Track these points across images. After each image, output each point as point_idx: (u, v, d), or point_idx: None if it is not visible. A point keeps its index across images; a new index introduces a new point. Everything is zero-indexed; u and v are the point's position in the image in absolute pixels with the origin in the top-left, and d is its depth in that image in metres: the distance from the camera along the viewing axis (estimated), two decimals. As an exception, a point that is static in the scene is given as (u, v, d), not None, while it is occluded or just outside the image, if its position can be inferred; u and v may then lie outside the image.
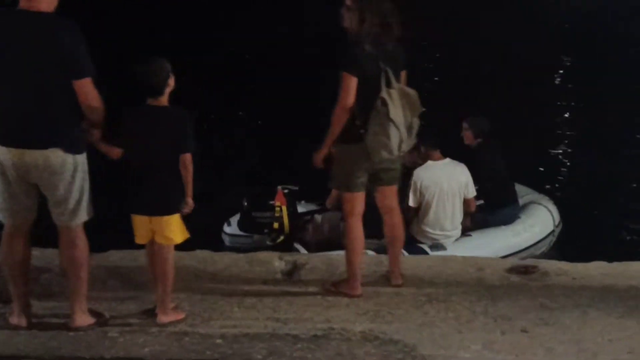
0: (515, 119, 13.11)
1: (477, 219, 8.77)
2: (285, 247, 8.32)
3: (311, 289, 5.72)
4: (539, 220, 9.12)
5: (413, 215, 8.47)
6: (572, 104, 15.16)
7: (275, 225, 8.54)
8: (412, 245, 8.26)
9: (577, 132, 13.83)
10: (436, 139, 8.50)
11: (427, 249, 8.37)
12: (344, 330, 5.05)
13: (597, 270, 6.02)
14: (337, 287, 5.63)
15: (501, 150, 9.21)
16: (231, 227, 9.27)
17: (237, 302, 5.48)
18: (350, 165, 5.43)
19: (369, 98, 5.23)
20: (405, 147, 5.37)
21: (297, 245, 8.57)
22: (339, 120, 5.34)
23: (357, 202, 5.52)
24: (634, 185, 11.27)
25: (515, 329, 5.07)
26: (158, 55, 5.00)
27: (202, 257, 6.24)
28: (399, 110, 5.26)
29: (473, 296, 5.58)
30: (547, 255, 8.71)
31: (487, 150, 9.07)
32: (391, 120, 5.21)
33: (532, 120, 13.67)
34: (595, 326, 5.10)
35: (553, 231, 9.14)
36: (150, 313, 5.22)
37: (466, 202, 8.59)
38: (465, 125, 9.14)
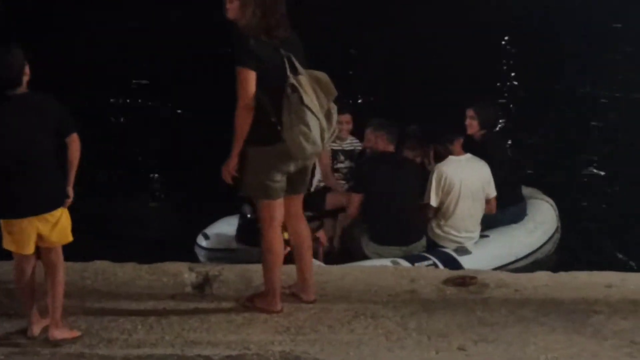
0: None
1: (486, 217, 8.30)
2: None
3: (225, 304, 5.57)
4: (546, 217, 8.78)
5: (433, 216, 8.04)
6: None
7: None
8: (435, 250, 7.90)
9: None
10: (451, 133, 8.09)
11: (454, 254, 7.89)
12: (261, 350, 4.93)
13: (540, 282, 5.93)
14: (254, 302, 5.42)
15: (506, 143, 8.99)
16: (209, 240, 8.52)
17: (140, 320, 5.34)
18: (268, 170, 5.14)
19: (277, 90, 4.97)
20: (328, 136, 5.08)
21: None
22: (243, 120, 5.06)
23: (277, 210, 5.25)
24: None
25: (452, 347, 4.99)
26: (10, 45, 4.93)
27: (100, 268, 6.10)
28: (312, 97, 5.00)
29: (405, 311, 5.44)
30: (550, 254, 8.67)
31: (495, 142, 8.60)
32: (306, 107, 4.95)
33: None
34: (538, 342, 5.01)
35: (558, 227, 8.89)
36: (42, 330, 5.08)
37: (488, 203, 8.19)
38: (471, 113, 8.43)
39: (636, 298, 5.59)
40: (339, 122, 7.64)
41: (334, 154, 8.55)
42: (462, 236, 7.97)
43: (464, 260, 7.71)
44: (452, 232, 7.97)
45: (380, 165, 7.86)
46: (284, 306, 5.40)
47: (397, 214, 7.75)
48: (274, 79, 4.99)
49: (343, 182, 8.49)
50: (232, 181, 5.16)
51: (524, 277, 5.98)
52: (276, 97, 4.98)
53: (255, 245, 7.31)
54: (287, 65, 5.02)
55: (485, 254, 7.78)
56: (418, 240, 7.91)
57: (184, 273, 5.98)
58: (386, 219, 7.73)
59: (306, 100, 4.94)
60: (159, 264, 6.13)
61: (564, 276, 6.02)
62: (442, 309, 5.48)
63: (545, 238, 8.54)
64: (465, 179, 7.90)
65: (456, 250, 7.90)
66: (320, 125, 5.00)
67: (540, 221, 8.59)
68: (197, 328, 5.21)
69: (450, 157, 7.95)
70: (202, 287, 5.83)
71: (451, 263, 7.58)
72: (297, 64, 5.03)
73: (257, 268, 5.70)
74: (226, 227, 8.47)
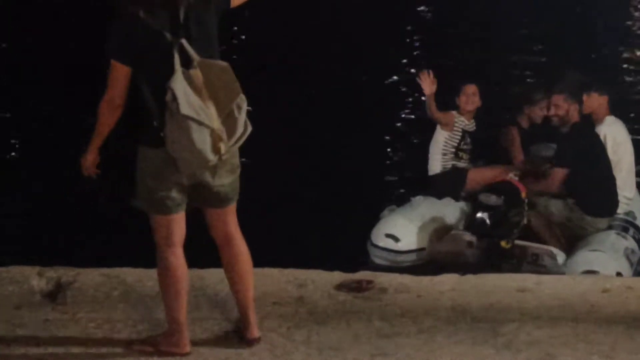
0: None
1: None
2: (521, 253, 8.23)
3: (81, 315, 5.24)
4: None
5: None
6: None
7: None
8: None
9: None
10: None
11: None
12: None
13: (446, 286, 5.82)
14: (155, 345, 4.86)
15: None
16: (402, 242, 8.31)
17: (-23, 335, 5.07)
18: (154, 178, 4.60)
19: (163, 89, 4.41)
20: (234, 142, 4.53)
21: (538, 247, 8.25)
22: (104, 118, 4.59)
23: (174, 228, 4.67)
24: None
25: (346, 363, 4.90)
26: None
27: None
28: (204, 98, 4.42)
29: (292, 321, 5.29)
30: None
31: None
32: (187, 118, 4.37)
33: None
34: (444, 356, 4.93)
35: None
36: None
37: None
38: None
39: (552, 304, 5.51)
40: (465, 95, 8.74)
41: (463, 134, 8.93)
42: (629, 198, 8.66)
43: None
44: (625, 194, 8.62)
45: (582, 137, 8.32)
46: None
47: (604, 184, 8.39)
48: (159, 75, 4.44)
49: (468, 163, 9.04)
50: (92, 175, 4.75)
51: (427, 281, 5.87)
52: (162, 97, 4.44)
53: (506, 238, 8.08)
54: (176, 56, 4.43)
55: None
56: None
57: (32, 278, 5.65)
58: (596, 191, 8.29)
59: (184, 109, 4.37)
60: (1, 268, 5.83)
61: (472, 279, 5.92)
62: (335, 318, 5.34)
63: None
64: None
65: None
66: (213, 134, 4.44)
67: None
68: (50, 343, 4.91)
69: (608, 117, 8.56)
70: (54, 295, 5.50)
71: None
72: (191, 52, 4.45)
73: (118, 272, 5.49)
74: (408, 223, 8.38)
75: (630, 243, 8.26)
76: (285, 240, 8.40)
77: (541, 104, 8.81)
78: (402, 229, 8.32)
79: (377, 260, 8.29)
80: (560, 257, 8.08)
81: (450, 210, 8.69)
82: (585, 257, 7.88)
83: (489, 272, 7.09)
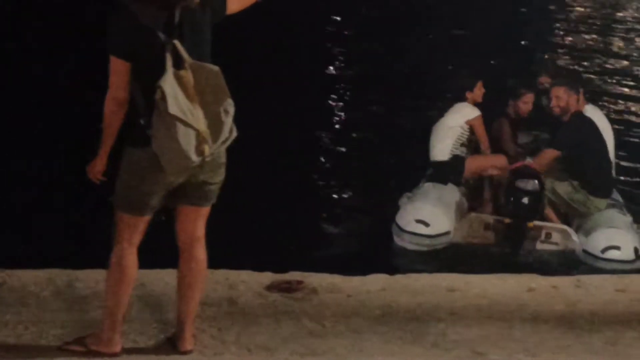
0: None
1: None
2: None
3: (10, 317, 5.14)
4: None
5: None
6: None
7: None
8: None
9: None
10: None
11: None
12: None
13: (376, 286, 5.85)
14: (85, 345, 4.80)
15: None
16: (431, 227, 8.81)
17: None
18: (139, 179, 4.58)
19: (153, 88, 4.41)
20: (218, 145, 4.54)
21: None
22: (111, 117, 4.54)
23: (140, 229, 4.67)
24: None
25: (277, 362, 4.92)
26: None
27: None
28: (192, 100, 4.43)
29: (223, 321, 5.26)
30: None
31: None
32: (174, 118, 4.38)
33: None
34: (374, 355, 4.97)
35: None
36: None
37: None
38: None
39: (480, 303, 5.59)
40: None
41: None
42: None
43: None
44: None
45: (582, 124, 8.99)
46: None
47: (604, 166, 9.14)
48: (150, 73, 4.43)
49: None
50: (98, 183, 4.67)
51: (357, 281, 5.88)
52: (151, 96, 4.43)
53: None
54: (168, 57, 4.42)
55: None
56: None
57: None
58: (598, 173, 8.99)
59: (172, 109, 4.38)
60: None
61: (402, 279, 5.97)
62: (265, 318, 5.33)
63: None
64: None
65: None
66: (199, 136, 4.44)
67: None
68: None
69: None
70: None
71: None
72: (183, 54, 4.45)
73: (47, 274, 5.40)
74: (433, 208, 8.82)
75: (629, 219, 8.94)
76: (216, 241, 8.45)
77: (525, 98, 9.58)
78: (430, 215, 8.79)
79: (409, 246, 8.79)
80: (574, 235, 8.76)
81: (458, 195, 9.29)
82: (606, 234, 8.57)
83: (506, 253, 8.70)
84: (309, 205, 9.81)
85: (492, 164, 9.28)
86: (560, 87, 8.98)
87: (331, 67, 16.37)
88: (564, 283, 5.96)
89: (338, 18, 19.29)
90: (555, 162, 8.95)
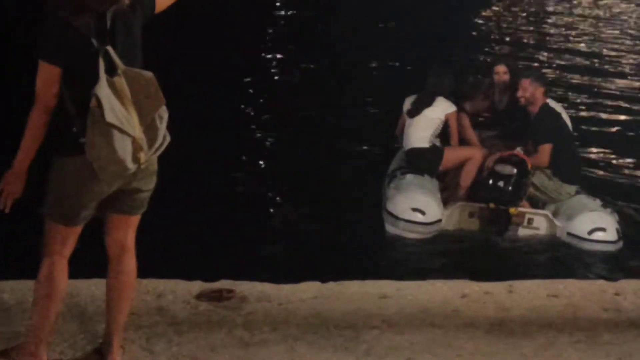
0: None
1: None
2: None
3: None
4: None
5: None
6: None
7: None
8: None
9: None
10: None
11: None
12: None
13: (308, 294, 5.83)
14: (8, 356, 4.67)
15: None
16: (427, 215, 9.17)
17: None
18: (72, 189, 4.46)
19: (84, 95, 4.30)
20: (153, 152, 4.46)
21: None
22: (35, 125, 4.39)
23: (72, 239, 4.56)
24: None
25: (208, 372, 4.89)
26: None
27: None
28: (127, 107, 4.34)
29: (152, 332, 5.21)
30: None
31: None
32: (111, 126, 4.28)
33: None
34: None
35: None
36: None
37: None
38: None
39: (413, 310, 5.58)
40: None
41: None
42: None
43: None
44: None
45: (549, 116, 9.47)
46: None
47: (574, 154, 9.75)
48: (81, 80, 4.34)
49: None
50: (8, 202, 4.43)
51: (288, 289, 5.85)
52: (83, 103, 4.32)
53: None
54: (101, 63, 4.32)
55: None
56: None
57: None
58: (568, 161, 9.47)
59: (109, 117, 4.28)
60: None
61: (334, 286, 5.94)
62: (195, 328, 5.28)
63: None
64: None
65: None
66: (135, 143, 4.36)
67: None
68: None
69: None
70: None
71: None
72: (116, 60, 4.35)
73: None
74: (425, 197, 9.18)
75: (600, 202, 9.32)
76: (144, 250, 8.37)
77: (481, 96, 10.33)
78: (425, 203, 9.16)
79: (404, 233, 9.13)
80: (555, 220, 9.19)
81: (437, 185, 9.69)
82: (590, 217, 9.06)
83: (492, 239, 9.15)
84: (240, 212, 9.75)
85: (470, 154, 9.60)
86: (526, 79, 9.48)
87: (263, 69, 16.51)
88: (496, 289, 5.97)
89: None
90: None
